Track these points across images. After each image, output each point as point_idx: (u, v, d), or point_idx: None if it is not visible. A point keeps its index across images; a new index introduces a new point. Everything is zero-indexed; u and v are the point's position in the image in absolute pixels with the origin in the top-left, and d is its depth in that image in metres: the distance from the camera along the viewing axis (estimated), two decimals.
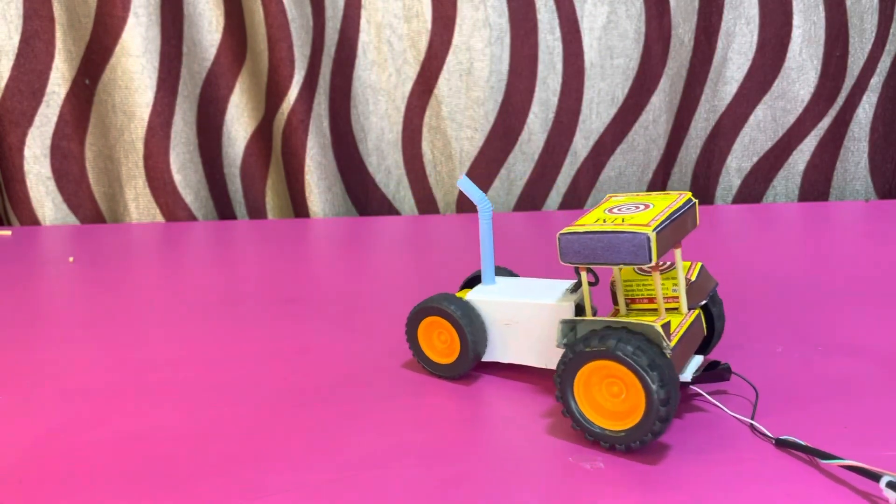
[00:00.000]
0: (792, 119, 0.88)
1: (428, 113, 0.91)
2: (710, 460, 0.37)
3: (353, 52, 0.90)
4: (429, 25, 0.87)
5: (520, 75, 0.88)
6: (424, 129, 0.91)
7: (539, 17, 0.87)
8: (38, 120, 0.92)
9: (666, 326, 0.39)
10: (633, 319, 0.39)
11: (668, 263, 0.44)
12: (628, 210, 0.42)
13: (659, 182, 0.91)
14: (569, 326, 0.41)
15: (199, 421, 0.44)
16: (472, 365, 0.46)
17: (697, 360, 0.43)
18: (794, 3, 0.84)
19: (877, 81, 0.87)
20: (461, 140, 0.90)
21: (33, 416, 0.46)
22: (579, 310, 0.45)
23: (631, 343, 0.37)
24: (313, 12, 0.89)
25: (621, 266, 0.39)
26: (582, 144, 0.90)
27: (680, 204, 0.42)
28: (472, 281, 0.51)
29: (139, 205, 0.93)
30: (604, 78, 0.88)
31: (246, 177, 0.95)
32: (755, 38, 0.86)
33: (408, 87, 0.90)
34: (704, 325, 0.45)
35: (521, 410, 0.43)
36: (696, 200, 0.44)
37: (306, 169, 0.89)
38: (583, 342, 0.39)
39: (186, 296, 0.66)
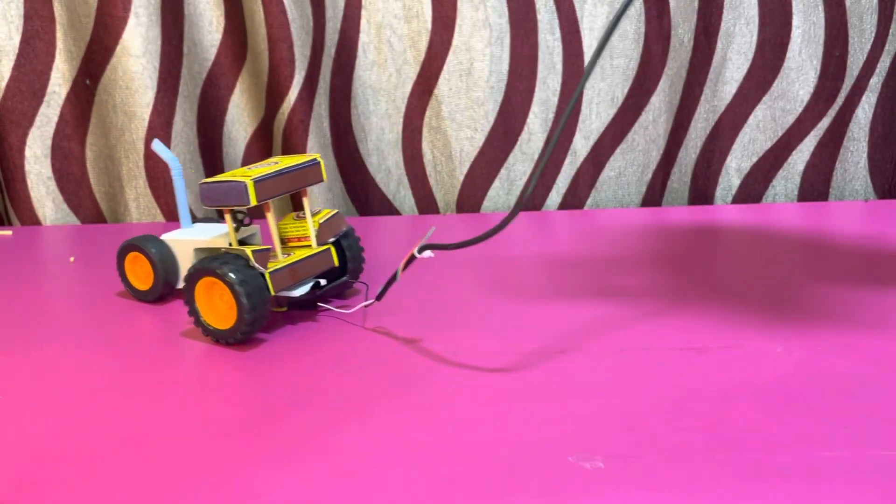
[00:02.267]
0: (791, 119, 0.88)
1: (428, 113, 0.91)
2: (711, 460, 0.37)
3: (353, 52, 0.90)
4: (429, 26, 0.88)
5: (520, 75, 0.88)
6: (424, 130, 0.92)
7: (539, 17, 0.87)
8: (38, 120, 0.92)
9: (261, 253, 0.53)
10: (242, 248, 0.53)
11: (302, 213, 0.59)
12: (259, 167, 0.56)
13: (658, 182, 0.91)
14: (201, 253, 0.58)
15: (199, 420, 0.44)
16: (163, 290, 0.62)
17: (312, 282, 0.57)
18: (794, 4, 0.85)
19: (876, 81, 0.87)
20: (461, 140, 0.90)
21: (33, 417, 0.46)
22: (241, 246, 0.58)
23: (229, 264, 0.51)
24: (314, 13, 0.89)
25: (241, 207, 0.55)
26: (582, 144, 0.90)
27: (297, 162, 0.58)
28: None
29: (140, 205, 0.93)
30: (603, 78, 0.88)
31: None
32: (755, 38, 0.86)
33: (408, 87, 0.90)
34: (336, 257, 0.60)
35: (524, 408, 0.43)
36: (321, 160, 0.59)
37: None
38: (199, 263, 0.53)
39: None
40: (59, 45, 0.91)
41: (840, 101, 0.87)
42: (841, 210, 0.84)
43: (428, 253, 0.51)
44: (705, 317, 0.55)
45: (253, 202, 0.53)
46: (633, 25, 0.86)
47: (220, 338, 0.54)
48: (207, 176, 0.94)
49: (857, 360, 0.46)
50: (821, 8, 0.85)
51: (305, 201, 0.59)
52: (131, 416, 0.45)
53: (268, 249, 0.54)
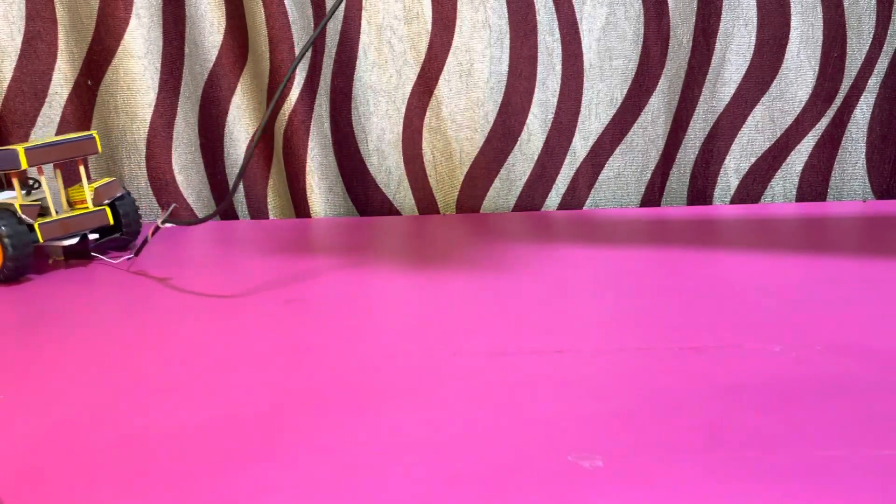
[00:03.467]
0: (790, 120, 0.88)
1: (428, 114, 0.91)
2: (711, 460, 0.37)
3: (353, 53, 0.91)
4: (429, 27, 0.88)
5: (519, 76, 0.88)
6: (425, 130, 0.92)
7: (538, 18, 0.87)
8: (40, 121, 0.92)
9: (31, 207, 0.69)
10: (14, 202, 0.68)
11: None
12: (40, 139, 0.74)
13: (657, 182, 0.92)
14: None
15: (199, 420, 0.44)
16: None
17: (80, 235, 0.72)
18: (792, 5, 0.85)
19: (874, 82, 0.87)
20: (461, 141, 0.91)
21: (33, 417, 0.46)
22: (44, 210, 0.72)
23: (2, 217, 0.67)
24: (314, 14, 0.89)
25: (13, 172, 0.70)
26: (581, 145, 0.90)
27: (72, 136, 0.73)
28: None
29: (141, 205, 0.93)
30: (603, 79, 0.88)
31: (247, 177, 0.96)
32: (753, 39, 0.87)
33: (408, 88, 0.91)
34: (111, 216, 0.75)
35: (521, 408, 0.44)
36: (96, 135, 0.75)
37: (307, 170, 0.90)
38: None
39: (187, 295, 0.66)
40: (61, 46, 0.91)
41: (838, 101, 0.88)
42: (839, 210, 0.84)
43: (167, 224, 0.72)
44: (705, 316, 0.55)
45: (24, 166, 0.68)
46: (633, 26, 0.86)
47: None
48: (209, 176, 0.95)
49: (856, 359, 0.47)
50: (819, 9, 0.85)
51: (81, 170, 0.73)
52: (132, 416, 0.45)
53: (36, 205, 0.69)
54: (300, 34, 0.87)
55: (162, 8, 0.88)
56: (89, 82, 0.92)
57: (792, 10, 0.85)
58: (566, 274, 0.66)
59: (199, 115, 0.93)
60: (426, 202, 0.94)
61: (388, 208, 0.95)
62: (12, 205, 0.68)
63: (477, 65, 0.88)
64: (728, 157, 0.91)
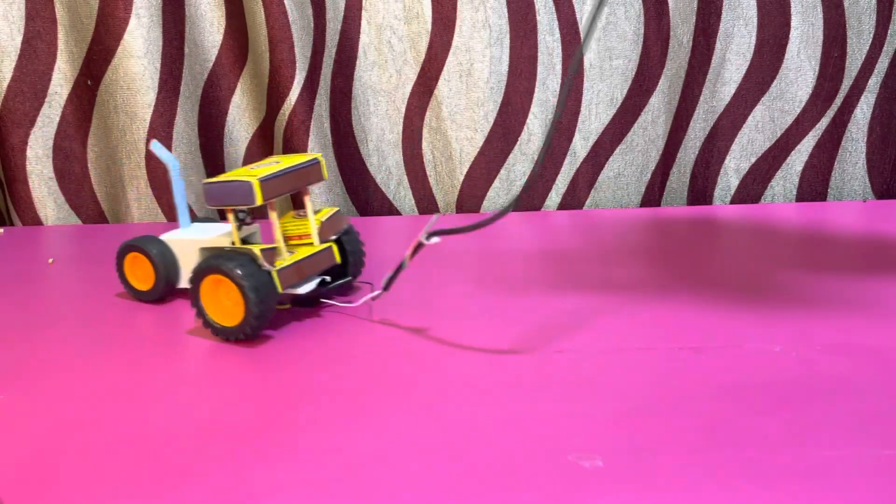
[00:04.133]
0: (790, 120, 0.88)
1: (428, 114, 0.91)
2: (710, 460, 0.37)
3: (353, 53, 0.91)
4: (429, 27, 0.88)
5: (519, 76, 0.88)
6: (425, 130, 0.92)
7: (538, 18, 0.87)
8: (40, 121, 0.92)
9: (268, 252, 0.54)
10: (244, 248, 0.54)
11: (302, 211, 0.60)
12: (261, 166, 0.56)
13: (657, 182, 0.92)
14: (206, 252, 0.55)
15: (200, 420, 0.44)
16: (164, 290, 0.62)
17: (317, 280, 0.58)
18: (793, 5, 0.85)
19: (875, 82, 0.87)
20: (461, 140, 0.90)
21: (33, 417, 0.46)
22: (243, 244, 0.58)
23: (235, 261, 0.52)
24: (314, 14, 0.89)
25: (246, 207, 0.55)
26: (581, 145, 0.90)
27: (298, 161, 0.58)
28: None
29: (141, 205, 0.93)
30: (603, 79, 0.88)
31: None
32: (753, 39, 0.87)
33: (408, 88, 0.91)
34: (338, 254, 0.60)
35: (522, 408, 0.44)
36: (322, 160, 0.60)
37: None
38: (205, 261, 0.53)
39: (186, 295, 0.66)
40: (61, 45, 0.91)
41: (838, 101, 0.88)
42: (839, 210, 0.84)
43: (435, 239, 0.52)
44: (704, 316, 0.55)
45: (259, 201, 0.53)
46: (633, 26, 0.86)
47: (227, 335, 0.54)
48: (209, 176, 0.95)
49: (856, 359, 0.47)
50: (819, 9, 0.85)
51: (307, 200, 0.60)
52: (136, 416, 0.45)
53: (274, 248, 0.55)
54: (300, 34, 0.87)
55: (162, 8, 0.88)
56: (89, 82, 0.92)
57: (792, 9, 0.85)
58: (566, 274, 0.66)
59: (198, 114, 0.93)
60: (426, 202, 0.94)
61: (387, 208, 0.95)
62: (251, 249, 0.53)
63: (477, 65, 0.88)
64: (728, 157, 0.91)
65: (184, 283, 0.61)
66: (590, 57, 0.88)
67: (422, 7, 0.87)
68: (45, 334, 0.59)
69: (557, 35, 0.87)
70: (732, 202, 0.92)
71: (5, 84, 0.90)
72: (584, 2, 0.86)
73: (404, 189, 0.94)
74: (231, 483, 0.38)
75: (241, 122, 0.93)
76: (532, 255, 0.72)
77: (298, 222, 0.60)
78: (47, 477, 0.39)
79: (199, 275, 0.54)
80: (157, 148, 0.64)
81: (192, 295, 0.55)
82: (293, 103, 0.88)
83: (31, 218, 0.95)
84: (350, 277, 0.62)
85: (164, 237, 0.63)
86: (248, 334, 0.53)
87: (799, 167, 0.90)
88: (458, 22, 0.87)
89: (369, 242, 0.81)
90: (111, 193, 0.96)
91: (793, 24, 0.85)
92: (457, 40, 0.88)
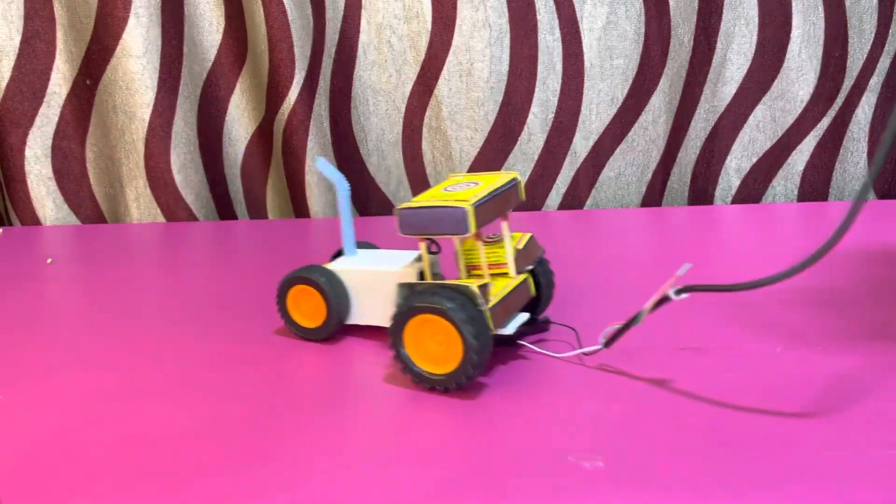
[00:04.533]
0: (791, 119, 0.88)
1: (428, 113, 0.91)
2: (711, 460, 0.37)
3: (353, 52, 0.90)
4: (429, 26, 0.88)
5: (519, 76, 0.88)
6: (424, 130, 0.92)
7: (539, 17, 0.87)
8: (38, 120, 0.92)
9: (484, 287, 0.46)
10: (453, 282, 0.46)
11: (498, 235, 0.52)
12: (459, 187, 0.49)
13: (658, 182, 0.91)
14: (407, 288, 0.48)
15: (200, 421, 0.44)
16: (336, 328, 0.53)
17: (523, 317, 0.50)
18: (794, 4, 0.85)
19: (876, 82, 0.87)
20: (461, 140, 0.90)
21: (33, 417, 0.46)
22: (423, 276, 0.51)
23: (453, 301, 0.44)
24: (314, 13, 0.89)
25: (458, 237, 0.47)
26: (582, 145, 0.90)
27: (503, 182, 0.50)
28: (339, 254, 0.58)
29: (140, 205, 0.93)
30: (603, 78, 0.88)
31: (246, 177, 0.95)
32: (754, 38, 0.86)
33: (408, 87, 0.91)
34: (532, 287, 0.52)
35: (525, 408, 0.43)
36: (520, 179, 0.52)
37: (307, 169, 0.90)
38: (413, 299, 0.46)
39: (186, 295, 0.66)
40: (60, 45, 0.91)
41: (840, 101, 0.87)
42: (841, 210, 0.84)
43: (684, 295, 0.44)
44: (705, 317, 0.55)
45: (472, 230, 0.45)
46: (633, 26, 0.86)
47: (438, 384, 0.46)
48: (208, 176, 0.94)
49: (856, 359, 0.46)
50: (820, 8, 0.85)
51: (505, 225, 0.51)
52: (132, 417, 0.45)
53: (487, 283, 0.47)
54: (299, 33, 0.87)
55: (161, 7, 0.88)
56: (88, 82, 0.92)
57: (793, 9, 0.85)
58: (566, 274, 0.66)
59: (197, 114, 0.93)
60: None
61: (387, 208, 0.95)
62: (469, 287, 0.45)
63: (477, 64, 0.88)
64: (729, 157, 0.91)
65: (356, 319, 0.54)
66: (590, 56, 0.87)
67: (422, 6, 0.87)
68: (43, 334, 0.59)
69: (558, 34, 0.87)
70: (733, 202, 0.92)
71: (4, 84, 0.90)
72: (584, 1, 0.86)
73: (404, 189, 0.94)
74: (227, 482, 0.38)
75: (240, 121, 0.93)
76: None
77: (490, 249, 0.51)
78: (47, 477, 0.39)
79: (405, 315, 0.46)
80: (322, 166, 0.56)
81: (394, 338, 0.47)
82: (292, 103, 0.88)
83: (30, 218, 0.95)
84: (548, 317, 0.54)
85: (335, 268, 0.54)
86: (460, 384, 0.45)
87: (800, 167, 0.90)
88: (458, 21, 0.87)
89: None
90: (110, 193, 0.96)
91: (794, 23, 0.85)
92: (457, 40, 0.87)
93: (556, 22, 0.87)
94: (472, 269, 0.51)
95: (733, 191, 0.91)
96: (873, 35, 0.85)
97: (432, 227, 0.47)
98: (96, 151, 0.94)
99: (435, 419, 0.44)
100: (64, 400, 0.48)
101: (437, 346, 0.46)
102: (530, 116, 0.89)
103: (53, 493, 0.38)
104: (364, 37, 0.90)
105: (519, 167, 0.91)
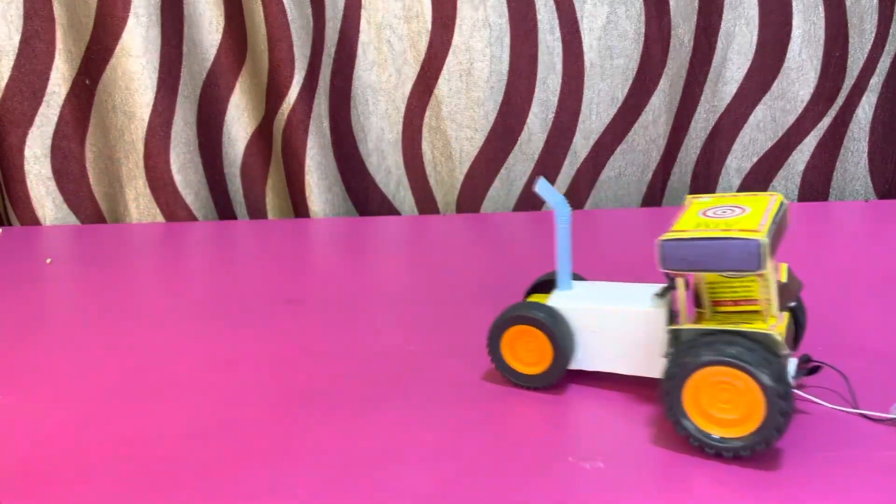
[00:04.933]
0: (791, 119, 0.88)
1: (428, 113, 0.91)
2: (711, 460, 0.37)
3: (353, 52, 0.90)
4: (429, 26, 0.88)
5: (520, 76, 0.88)
6: (424, 130, 0.92)
7: (539, 17, 0.87)
8: (38, 120, 0.92)
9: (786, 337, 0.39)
10: (744, 327, 0.39)
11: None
12: (724, 213, 0.42)
13: (659, 182, 0.91)
14: (674, 334, 0.40)
15: (200, 421, 0.44)
16: (559, 374, 0.45)
17: (793, 361, 0.42)
18: (794, 4, 0.84)
19: (876, 81, 0.87)
20: (461, 140, 0.90)
21: (33, 417, 0.46)
22: (672, 315, 0.44)
23: (752, 353, 0.37)
24: (314, 13, 0.89)
25: (741, 273, 0.39)
26: (582, 145, 0.90)
27: (776, 206, 0.42)
28: (539, 287, 0.51)
29: (139, 205, 0.93)
30: (603, 78, 0.88)
31: (246, 177, 0.95)
32: (755, 38, 0.86)
33: (408, 87, 0.90)
34: (793, 324, 0.44)
35: (526, 410, 0.43)
36: (787, 202, 0.44)
37: (306, 169, 0.90)
38: (694, 351, 0.38)
39: (187, 295, 0.66)
40: (59, 45, 0.91)
41: (840, 101, 0.87)
42: (841, 210, 0.84)
43: None
44: None
45: (763, 267, 0.38)
46: (634, 26, 0.86)
47: (727, 451, 0.38)
48: (207, 175, 0.94)
49: (856, 359, 0.46)
50: (821, 8, 0.84)
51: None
52: (132, 417, 0.45)
53: (781, 335, 0.39)
54: (299, 33, 0.87)
55: (160, 7, 0.88)
56: (87, 82, 0.92)
57: (793, 9, 0.85)
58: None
59: (197, 114, 0.93)
60: (426, 202, 0.94)
61: (387, 208, 0.95)
62: (769, 335, 0.38)
63: (477, 64, 0.88)
64: (730, 157, 0.90)
65: (579, 364, 0.46)
66: (590, 56, 0.87)
67: (421, 6, 0.87)
68: (43, 334, 0.59)
69: (558, 34, 0.87)
70: None
71: (3, 83, 0.90)
72: (584, 1, 0.86)
73: (404, 189, 0.94)
74: (227, 482, 0.38)
75: (239, 121, 0.93)
76: (532, 255, 0.71)
77: (728, 282, 0.42)
78: (47, 477, 0.39)
79: (686, 369, 0.38)
80: (543, 189, 0.49)
81: (668, 397, 0.39)
82: (292, 103, 0.88)
83: (30, 218, 0.95)
84: (807, 355, 0.44)
85: (557, 305, 0.47)
86: (760, 449, 0.37)
87: (801, 167, 0.90)
88: (457, 21, 0.87)
89: (369, 243, 0.81)
90: (109, 193, 0.96)
91: (794, 23, 0.85)
92: (457, 39, 0.87)
93: (556, 22, 0.87)
94: (715, 305, 0.43)
95: (734, 191, 0.91)
96: (873, 35, 0.85)
97: (711, 263, 0.39)
98: (96, 151, 0.94)
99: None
100: (64, 400, 0.47)
101: (722, 403, 0.38)
102: (530, 116, 0.89)
103: (54, 493, 0.38)
104: (364, 36, 0.90)
105: (519, 167, 0.91)
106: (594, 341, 0.46)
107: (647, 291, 0.46)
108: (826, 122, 0.88)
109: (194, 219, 0.93)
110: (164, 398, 0.47)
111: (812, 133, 0.88)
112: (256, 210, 0.97)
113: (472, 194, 0.92)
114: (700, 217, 0.42)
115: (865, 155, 0.89)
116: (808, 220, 0.80)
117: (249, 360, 0.52)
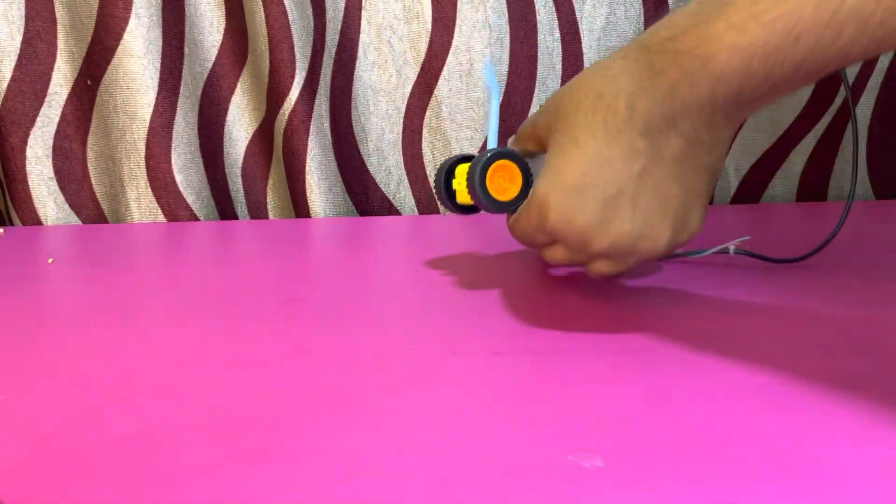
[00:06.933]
0: (790, 119, 0.88)
1: (428, 114, 0.91)
2: (711, 460, 0.37)
3: (353, 53, 0.91)
4: (429, 27, 0.88)
5: (519, 76, 0.88)
6: (425, 130, 0.92)
7: (538, 18, 0.87)
8: (40, 121, 0.92)
9: None
10: None
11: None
12: None
13: None
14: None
15: (200, 421, 0.44)
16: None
17: None
18: None
19: (875, 82, 0.87)
20: (461, 140, 0.90)
21: (34, 417, 0.46)
22: None
23: None
24: (314, 13, 0.89)
25: None
26: None
27: None
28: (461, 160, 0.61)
29: (141, 205, 0.93)
30: None
31: (247, 177, 0.96)
32: None
33: (408, 87, 0.91)
34: None
35: (527, 409, 0.44)
36: None
37: (307, 169, 0.90)
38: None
39: (187, 295, 0.66)
40: (61, 45, 0.91)
41: (839, 101, 0.87)
42: (840, 210, 0.84)
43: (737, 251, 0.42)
44: (705, 317, 0.55)
45: None
46: (633, 26, 0.86)
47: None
48: (209, 176, 0.94)
49: (856, 359, 0.47)
50: None
51: None
52: (132, 417, 0.45)
53: None
54: (300, 34, 0.87)
55: (161, 7, 0.88)
56: (89, 82, 0.92)
57: None
58: (566, 273, 0.66)
59: (198, 114, 0.93)
60: (426, 202, 0.94)
61: (387, 208, 0.95)
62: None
63: (477, 64, 0.88)
64: (728, 157, 0.91)
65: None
66: (590, 57, 0.88)
67: (422, 7, 0.87)
68: (44, 334, 0.59)
69: (557, 35, 0.87)
70: (733, 202, 0.92)
71: (5, 84, 0.91)
72: (584, 1, 0.86)
73: (404, 189, 0.94)
74: (227, 482, 0.38)
75: (240, 121, 0.93)
76: (532, 254, 0.72)
77: None
78: (47, 477, 0.39)
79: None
80: (488, 71, 0.61)
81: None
82: (293, 103, 0.88)
83: (31, 218, 0.95)
84: None
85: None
86: None
87: (799, 167, 0.90)
88: (458, 22, 0.87)
89: (369, 243, 0.81)
90: (111, 193, 0.96)
91: None
92: (457, 40, 0.88)
93: (556, 22, 0.87)
94: None
95: (732, 191, 0.91)
96: None
97: None
98: (97, 152, 0.94)
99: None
100: (65, 400, 0.48)
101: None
102: (530, 116, 0.89)
103: (54, 493, 0.38)
104: (364, 37, 0.90)
105: None
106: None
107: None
108: (825, 121, 0.88)
109: (196, 219, 0.94)
110: (163, 398, 0.47)
111: (811, 133, 0.89)
112: (257, 210, 0.97)
113: None
114: None
115: (864, 155, 0.89)
116: (807, 220, 0.80)
117: (250, 360, 0.52)
